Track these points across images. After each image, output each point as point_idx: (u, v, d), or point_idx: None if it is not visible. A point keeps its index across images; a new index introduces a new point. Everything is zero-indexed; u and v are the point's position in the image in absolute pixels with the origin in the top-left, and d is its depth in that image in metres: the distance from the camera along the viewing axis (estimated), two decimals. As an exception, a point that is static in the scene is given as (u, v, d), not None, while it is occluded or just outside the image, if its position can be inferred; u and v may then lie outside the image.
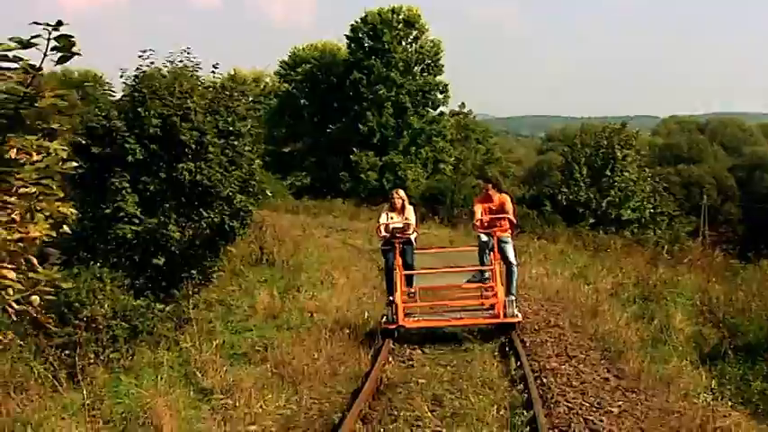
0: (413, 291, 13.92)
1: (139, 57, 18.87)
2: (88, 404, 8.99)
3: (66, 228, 4.44)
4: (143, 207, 17.60)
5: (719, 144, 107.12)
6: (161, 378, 10.14)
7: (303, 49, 63.33)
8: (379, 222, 14.49)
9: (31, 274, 4.02)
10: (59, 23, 3.35)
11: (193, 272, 18.29)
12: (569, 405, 9.08)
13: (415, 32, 57.94)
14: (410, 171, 54.41)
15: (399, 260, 13.75)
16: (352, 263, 22.92)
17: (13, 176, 3.76)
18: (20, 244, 3.98)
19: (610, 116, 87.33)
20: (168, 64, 19.00)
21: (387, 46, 55.82)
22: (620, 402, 9.22)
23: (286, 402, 9.37)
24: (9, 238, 3.88)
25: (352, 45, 57.95)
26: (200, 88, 19.06)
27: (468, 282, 14.27)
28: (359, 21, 57.43)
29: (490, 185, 14.49)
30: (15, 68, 3.50)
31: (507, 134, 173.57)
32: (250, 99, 26.85)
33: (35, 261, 4.22)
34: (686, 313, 14.91)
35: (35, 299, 4.11)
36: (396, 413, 8.98)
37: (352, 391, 10.01)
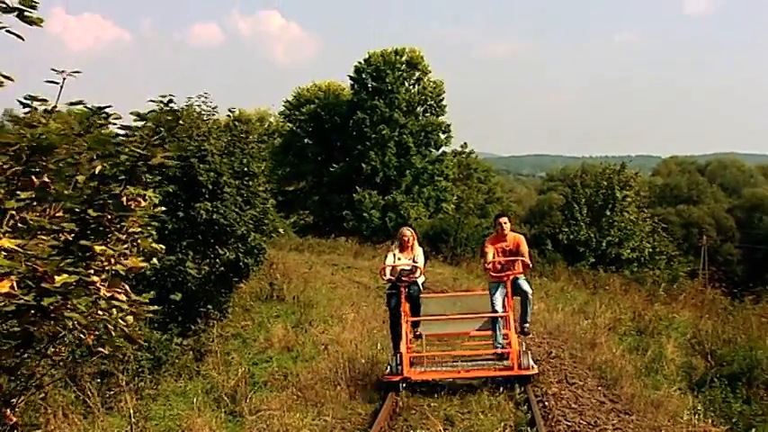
0: (418, 333, 12.94)
1: (160, 101, 19.71)
2: (133, 423, 9.83)
3: (155, 260, 5.40)
4: (161, 245, 18.32)
5: (719, 185, 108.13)
6: (193, 402, 10.98)
7: (307, 89, 64.17)
8: (384, 263, 13.25)
9: (133, 297, 4.96)
10: (171, 101, 4.32)
11: (209, 307, 18.96)
12: (568, 423, 9.93)
13: (417, 74, 59.13)
14: (413, 210, 55.18)
15: (406, 305, 12.66)
16: (361, 299, 23.45)
17: (128, 219, 4.72)
18: (121, 273, 4.92)
19: (611, 155, 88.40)
20: (186, 108, 19.87)
21: (390, 87, 56.93)
22: (615, 422, 10.04)
23: (312, 421, 10.26)
24: (117, 269, 4.81)
25: (356, 86, 59.07)
26: (215, 131, 19.89)
27: (480, 330, 13.33)
28: (362, 62, 58.49)
29: (505, 219, 13.52)
30: (135, 136, 4.46)
31: (508, 173, 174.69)
32: (254, 138, 27.48)
33: (128, 288, 5.15)
34: (678, 346, 15.79)
35: (129, 318, 5.03)
36: (412, 431, 9.89)
37: (371, 412, 10.84)
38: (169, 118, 4.38)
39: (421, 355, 12.87)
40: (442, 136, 59.68)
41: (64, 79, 4.31)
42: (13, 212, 4.22)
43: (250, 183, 19.56)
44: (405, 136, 56.84)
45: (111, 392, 12.20)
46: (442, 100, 59.40)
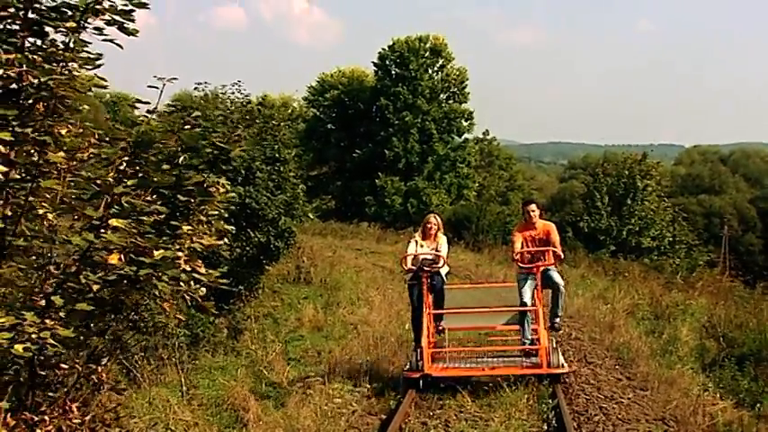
0: (441, 328, 12.25)
1: (195, 89, 20.49)
2: (184, 391, 10.60)
3: (225, 239, 6.14)
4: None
5: (742, 175, 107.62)
6: (235, 375, 11.75)
7: (331, 75, 64.57)
8: (406, 252, 12.51)
9: (210, 271, 5.71)
10: (248, 101, 5.02)
11: (241, 287, 19.66)
12: (587, 397, 10.69)
13: (441, 61, 59.37)
14: (434, 196, 55.62)
15: (428, 297, 11.98)
16: (386, 282, 24.09)
17: (209, 203, 5.46)
18: (198, 250, 5.65)
19: (633, 143, 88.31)
20: (221, 95, 20.56)
21: (413, 74, 57.21)
22: (630, 396, 10.73)
23: (351, 388, 11.05)
24: (195, 246, 5.54)
25: (380, 72, 59.38)
26: (247, 119, 20.54)
27: (507, 324, 12.61)
28: (386, 49, 58.82)
29: (534, 206, 12.64)
30: (217, 132, 5.19)
31: (530, 161, 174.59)
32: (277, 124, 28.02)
33: (200, 262, 5.88)
34: (692, 329, 16.43)
35: (203, 290, 5.77)
36: (442, 402, 10.64)
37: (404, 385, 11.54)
38: (247, 117, 5.10)
39: (443, 351, 12.31)
40: (465, 123, 59.90)
41: (164, 84, 5.03)
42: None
43: (281, 168, 20.15)
44: (427, 123, 57.17)
45: (152, 366, 12.93)
46: (465, 87, 59.66)
